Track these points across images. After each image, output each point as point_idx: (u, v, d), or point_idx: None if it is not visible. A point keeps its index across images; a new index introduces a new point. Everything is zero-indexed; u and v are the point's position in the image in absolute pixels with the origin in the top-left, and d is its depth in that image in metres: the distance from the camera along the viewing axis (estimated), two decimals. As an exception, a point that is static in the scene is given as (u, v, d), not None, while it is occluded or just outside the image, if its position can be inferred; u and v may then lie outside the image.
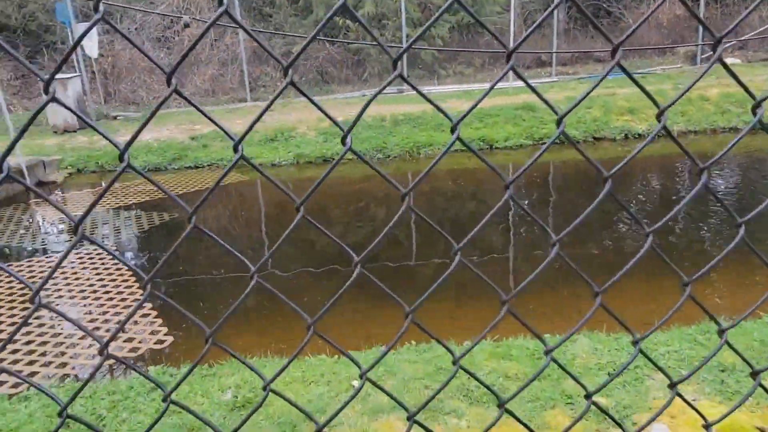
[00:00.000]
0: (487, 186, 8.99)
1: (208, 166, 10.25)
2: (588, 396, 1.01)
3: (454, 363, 0.94)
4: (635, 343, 1.05)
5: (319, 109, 0.73)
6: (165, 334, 4.69)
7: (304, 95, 0.73)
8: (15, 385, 4.10)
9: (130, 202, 8.58)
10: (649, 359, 1.13)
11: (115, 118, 13.21)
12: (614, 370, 3.35)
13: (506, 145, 10.46)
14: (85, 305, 5.34)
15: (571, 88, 12.87)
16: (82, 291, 5.61)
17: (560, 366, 1.02)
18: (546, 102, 0.79)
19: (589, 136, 10.61)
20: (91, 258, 6.43)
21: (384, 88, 0.73)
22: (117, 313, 5.10)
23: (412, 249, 6.65)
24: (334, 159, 10.12)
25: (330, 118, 0.72)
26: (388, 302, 5.19)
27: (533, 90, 0.78)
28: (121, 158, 0.72)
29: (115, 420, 3.17)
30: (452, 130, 0.79)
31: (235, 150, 0.73)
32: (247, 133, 0.74)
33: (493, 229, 7.24)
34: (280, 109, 12.86)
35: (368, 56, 14.95)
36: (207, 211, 8.47)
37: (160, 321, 4.92)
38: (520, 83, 13.85)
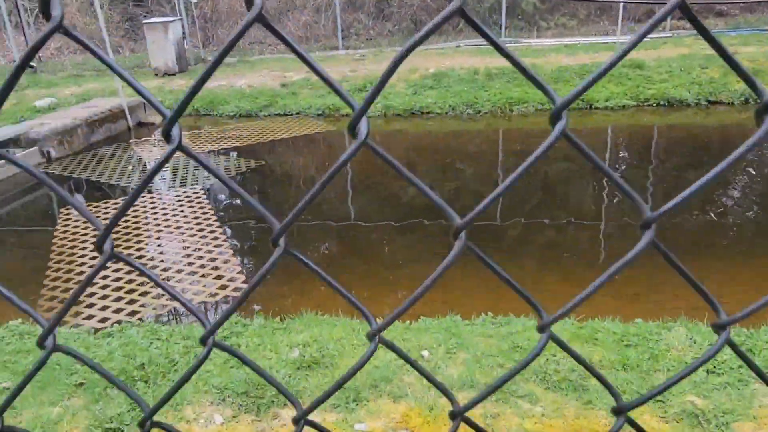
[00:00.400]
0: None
1: (296, 114, 10.27)
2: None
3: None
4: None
5: (323, 78, 0.51)
6: (243, 282, 4.75)
7: (291, 47, 0.52)
8: (102, 320, 4.29)
9: (224, 147, 8.75)
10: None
11: (211, 62, 13.48)
12: (714, 368, 3.01)
13: (606, 105, 9.73)
14: (183, 239, 5.52)
15: (686, 45, 11.72)
16: (178, 226, 5.80)
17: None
18: None
19: (702, 99, 9.65)
20: (189, 198, 6.64)
21: (437, 24, 0.50)
22: (206, 245, 5.22)
23: (497, 208, 6.34)
24: (423, 113, 9.84)
25: (340, 93, 0.50)
26: (471, 269, 4.98)
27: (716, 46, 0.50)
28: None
29: (186, 366, 3.22)
30: (553, 120, 0.49)
31: (166, 137, 0.48)
32: (179, 113, 0.45)
33: (570, 195, 6.78)
34: (371, 58, 12.62)
35: (464, 4, 14.27)
36: (295, 160, 8.50)
37: (239, 268, 4.99)
38: (629, 37, 12.84)
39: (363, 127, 0.47)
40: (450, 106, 9.94)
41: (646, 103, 9.78)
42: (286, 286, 4.86)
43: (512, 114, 9.79)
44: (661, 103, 9.71)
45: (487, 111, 9.77)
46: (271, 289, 4.79)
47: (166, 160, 0.49)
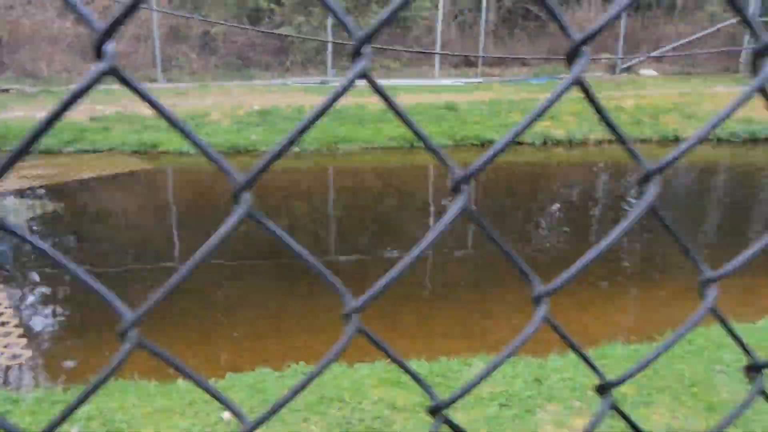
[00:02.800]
0: (408, 186, 8.77)
1: (108, 150, 9.48)
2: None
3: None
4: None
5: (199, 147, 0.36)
6: (23, 347, 4.14)
7: None
8: None
9: (20, 187, 7.75)
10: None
11: (6, 91, 12.06)
12: (506, 400, 3.17)
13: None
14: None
15: (494, 90, 12.89)
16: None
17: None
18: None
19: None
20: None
21: (348, 85, 0.42)
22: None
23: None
24: (248, 150, 9.63)
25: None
26: (406, 316, 4.85)
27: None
28: None
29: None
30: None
31: None
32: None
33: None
34: (195, 92, 12.16)
35: (291, 44, 14.40)
36: (101, 202, 7.79)
37: (20, 331, 4.35)
38: (446, 80, 13.82)
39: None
40: (276, 144, 9.82)
41: (461, 142, 10.50)
42: (72, 342, 4.34)
43: (338, 152, 9.94)
44: (475, 143, 10.49)
45: (312, 149, 9.82)
46: (55, 356, 4.22)
47: None
